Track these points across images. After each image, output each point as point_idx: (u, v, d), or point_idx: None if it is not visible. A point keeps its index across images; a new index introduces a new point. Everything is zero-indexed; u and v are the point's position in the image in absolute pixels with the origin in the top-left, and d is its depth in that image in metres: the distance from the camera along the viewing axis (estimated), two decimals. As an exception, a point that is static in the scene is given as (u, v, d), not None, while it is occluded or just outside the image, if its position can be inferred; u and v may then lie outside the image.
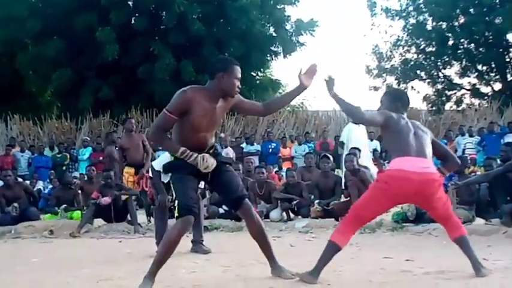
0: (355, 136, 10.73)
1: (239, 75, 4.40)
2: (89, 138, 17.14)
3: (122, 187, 9.38)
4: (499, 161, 8.47)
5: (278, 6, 21.62)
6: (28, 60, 20.60)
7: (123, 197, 9.10)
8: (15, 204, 9.64)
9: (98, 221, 9.30)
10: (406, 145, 4.34)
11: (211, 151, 4.48)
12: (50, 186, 13.61)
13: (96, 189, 9.39)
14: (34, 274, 5.36)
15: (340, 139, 11.08)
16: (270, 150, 15.79)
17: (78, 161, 15.88)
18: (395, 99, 4.66)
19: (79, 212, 9.74)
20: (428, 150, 4.41)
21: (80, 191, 10.49)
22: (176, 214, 4.31)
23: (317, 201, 9.21)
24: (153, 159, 8.50)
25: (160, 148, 14.76)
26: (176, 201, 4.34)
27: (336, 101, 4.55)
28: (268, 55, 22.15)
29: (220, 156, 4.64)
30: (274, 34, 21.84)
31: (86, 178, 11.00)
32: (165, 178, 6.57)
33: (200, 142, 4.39)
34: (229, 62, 4.45)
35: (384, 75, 28.93)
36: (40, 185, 14.26)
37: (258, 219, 4.59)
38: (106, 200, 8.88)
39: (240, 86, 4.42)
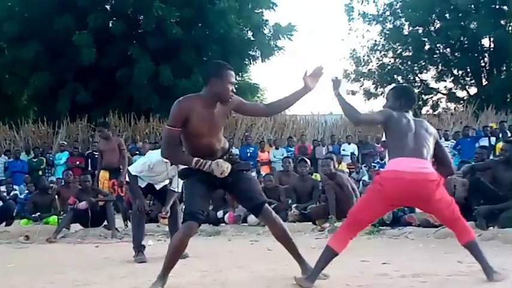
0: None
1: (232, 80, 4.39)
2: (65, 143, 17.02)
3: (99, 191, 9.33)
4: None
5: (256, 11, 21.69)
6: (4, 64, 20.42)
7: (101, 202, 9.06)
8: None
9: (75, 226, 9.24)
10: (403, 145, 4.27)
11: (225, 157, 4.49)
12: (26, 191, 13.48)
13: (73, 194, 9.33)
14: (9, 280, 5.31)
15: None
16: (248, 154, 15.80)
17: (54, 166, 15.75)
18: (400, 96, 4.59)
19: (55, 217, 9.67)
20: (427, 150, 4.33)
21: (56, 196, 10.41)
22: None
23: (294, 205, 9.24)
24: (130, 163, 8.46)
25: (137, 153, 14.74)
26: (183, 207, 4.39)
27: (338, 101, 4.54)
28: (246, 59, 22.20)
29: (237, 162, 4.62)
30: (252, 38, 21.91)
31: (62, 183, 10.92)
32: (142, 183, 6.57)
33: (207, 148, 4.40)
34: (222, 66, 4.44)
35: (361, 79, 29.12)
36: (16, 190, 14.11)
37: (279, 222, 4.60)
38: (83, 205, 8.83)
39: (234, 90, 4.41)
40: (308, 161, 10.02)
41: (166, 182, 6.74)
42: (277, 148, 16.20)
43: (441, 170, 4.56)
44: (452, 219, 4.42)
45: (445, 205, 4.36)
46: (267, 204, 4.56)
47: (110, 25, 20.72)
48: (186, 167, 4.54)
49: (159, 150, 6.66)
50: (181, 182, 6.63)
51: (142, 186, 6.58)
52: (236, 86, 16.29)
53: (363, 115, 4.51)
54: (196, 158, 4.34)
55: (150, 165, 6.43)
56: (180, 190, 6.82)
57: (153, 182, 6.65)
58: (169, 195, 6.64)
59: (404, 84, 4.66)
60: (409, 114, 4.53)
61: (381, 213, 4.72)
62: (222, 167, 4.34)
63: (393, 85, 4.79)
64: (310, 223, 8.73)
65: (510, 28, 25.40)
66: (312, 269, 4.42)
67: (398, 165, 4.22)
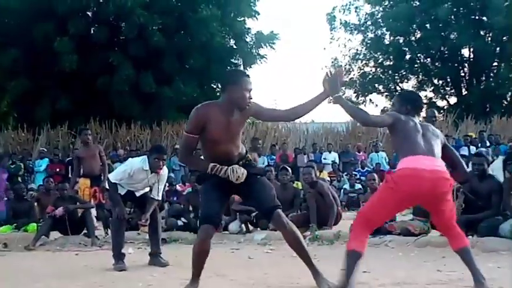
0: None
1: (249, 87, 4.42)
2: (45, 150, 16.88)
3: (77, 199, 9.25)
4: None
5: (238, 19, 21.74)
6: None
7: (80, 210, 8.98)
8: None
9: (55, 234, 9.15)
10: (415, 144, 4.22)
11: (241, 162, 4.52)
12: (5, 198, 13.31)
13: (52, 202, 9.23)
14: (-13, 288, 5.25)
15: None
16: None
17: (34, 173, 15.61)
18: (406, 102, 4.58)
19: (34, 224, 9.57)
20: (437, 151, 4.29)
21: (36, 203, 10.31)
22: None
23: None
24: (111, 170, 8.41)
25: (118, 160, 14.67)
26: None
27: (341, 105, 4.50)
28: (228, 67, 22.19)
29: (252, 167, 4.65)
30: (234, 46, 21.94)
31: (44, 190, 10.81)
32: (122, 190, 6.54)
33: (225, 154, 4.45)
34: (239, 74, 4.54)
35: (343, 88, 29.26)
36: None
37: (291, 227, 4.57)
38: (60, 210, 8.73)
39: (251, 97, 4.43)
40: (289, 169, 10.02)
41: (146, 190, 6.71)
42: (259, 156, 16.20)
43: (455, 174, 4.50)
44: (450, 224, 4.40)
45: (449, 208, 4.34)
46: (279, 210, 4.56)
47: (92, 32, 20.63)
48: (202, 172, 4.58)
49: (140, 157, 6.68)
50: (161, 189, 6.64)
51: (122, 193, 6.54)
52: (218, 94, 16.30)
53: (372, 116, 4.47)
54: (212, 164, 4.40)
55: (130, 172, 6.40)
56: (160, 198, 6.80)
57: (133, 189, 6.62)
58: (149, 203, 6.61)
59: (410, 90, 4.65)
60: (416, 119, 4.51)
61: (393, 212, 4.73)
62: (238, 173, 4.40)
63: (399, 92, 4.79)
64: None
65: (489, 38, 25.73)
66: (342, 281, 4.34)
67: (414, 163, 4.14)
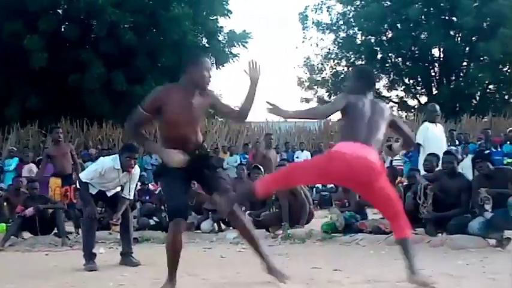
0: (433, 136, 8.98)
1: (208, 66, 4.48)
2: (15, 149, 16.64)
3: (47, 199, 9.15)
4: (422, 172, 8.74)
5: (211, 17, 21.70)
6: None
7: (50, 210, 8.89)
8: None
9: (24, 234, 9.03)
10: (356, 132, 4.34)
11: (197, 151, 4.52)
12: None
13: (22, 202, 9.12)
14: (-46, 290, 5.18)
15: (416, 140, 8.90)
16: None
17: (3, 172, 15.38)
18: (359, 78, 4.66)
19: (3, 224, 9.43)
20: (377, 137, 4.41)
21: (5, 203, 10.16)
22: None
23: (248, 212, 9.24)
24: (83, 169, 8.34)
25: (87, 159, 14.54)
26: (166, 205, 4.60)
27: (294, 117, 4.56)
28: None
29: (211, 157, 4.72)
30: (207, 45, 21.89)
31: (13, 189, 10.64)
32: (93, 190, 6.49)
33: (182, 138, 4.44)
34: (197, 55, 4.63)
35: (315, 87, 29.45)
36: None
37: (242, 218, 4.71)
38: (30, 211, 8.63)
39: (211, 76, 4.48)
40: (261, 168, 10.04)
41: (118, 189, 6.67)
42: (231, 155, 16.20)
43: (404, 146, 4.85)
44: (394, 212, 4.49)
45: (386, 197, 4.44)
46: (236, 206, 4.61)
47: (62, 29, 20.41)
48: (159, 166, 4.63)
49: (111, 156, 6.64)
50: (133, 189, 6.60)
51: (94, 193, 6.50)
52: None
53: (325, 109, 4.59)
54: (152, 142, 4.48)
55: (101, 171, 6.36)
56: (131, 197, 6.77)
57: (104, 188, 6.57)
58: (121, 202, 6.57)
59: (364, 66, 4.74)
60: (368, 96, 4.58)
61: (314, 181, 4.87)
62: (178, 157, 4.35)
63: (354, 67, 4.87)
64: (264, 230, 8.75)
65: (459, 39, 26.07)
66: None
67: (347, 148, 4.28)
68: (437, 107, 8.95)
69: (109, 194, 6.65)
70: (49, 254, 7.79)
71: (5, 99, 19.52)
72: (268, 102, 4.43)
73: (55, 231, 8.86)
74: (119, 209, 6.53)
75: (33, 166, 13.81)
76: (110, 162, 6.43)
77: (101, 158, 7.24)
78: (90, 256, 6.28)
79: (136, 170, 6.61)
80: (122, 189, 6.61)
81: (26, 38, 18.59)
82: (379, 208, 4.71)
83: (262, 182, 4.50)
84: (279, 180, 4.54)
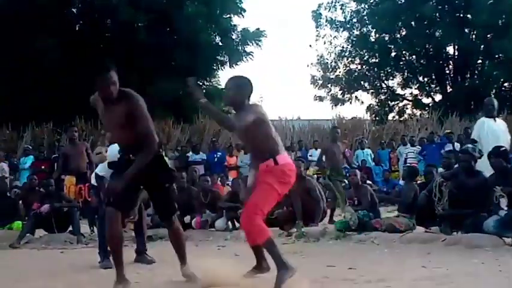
0: (491, 131, 8.34)
1: (110, 81, 4.67)
2: (30, 147, 16.75)
3: (63, 197, 9.19)
4: (440, 169, 8.70)
5: (224, 16, 21.67)
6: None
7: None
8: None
9: (40, 232, 9.09)
10: (278, 142, 4.57)
11: (131, 156, 4.65)
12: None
13: (37, 199, 9.18)
14: (-29, 287, 5.22)
15: (472, 136, 8.72)
16: (216, 159, 15.77)
17: (19, 170, 15.49)
18: (243, 88, 4.61)
19: (19, 222, 9.50)
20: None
21: (21, 201, 10.23)
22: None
23: (261, 210, 9.23)
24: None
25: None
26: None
27: (208, 111, 4.57)
28: (214, 64, 22.14)
29: (163, 171, 4.80)
30: (220, 43, 21.87)
31: (28, 187, 10.73)
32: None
33: (115, 139, 4.79)
34: (98, 78, 4.71)
35: (329, 85, 29.34)
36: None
37: (177, 232, 5.12)
38: (45, 208, 8.69)
39: (113, 90, 4.65)
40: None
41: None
42: (245, 153, 16.19)
43: None
44: None
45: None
46: (172, 218, 4.98)
47: (76, 28, 20.50)
48: (113, 160, 4.94)
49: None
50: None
51: None
52: (204, 91, 16.13)
53: (238, 126, 4.40)
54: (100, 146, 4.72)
55: (112, 153, 6.33)
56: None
57: None
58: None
59: (242, 76, 4.67)
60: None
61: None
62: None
63: (233, 75, 4.85)
64: (278, 228, 8.75)
65: (474, 36, 25.89)
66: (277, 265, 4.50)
67: (289, 159, 4.64)
68: (495, 101, 8.65)
69: None
70: (64, 251, 7.84)
71: (19, 98, 19.63)
72: (189, 80, 4.53)
73: (70, 229, 8.91)
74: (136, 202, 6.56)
75: (4, 165, 13.92)
76: (117, 147, 6.49)
77: (110, 146, 7.19)
78: (105, 254, 6.30)
79: None
80: None
81: (39, 37, 18.68)
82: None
83: (263, 231, 4.53)
84: (256, 223, 4.52)
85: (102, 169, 6.53)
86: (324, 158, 11.37)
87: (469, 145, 7.81)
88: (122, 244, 4.75)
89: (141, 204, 6.72)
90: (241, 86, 4.62)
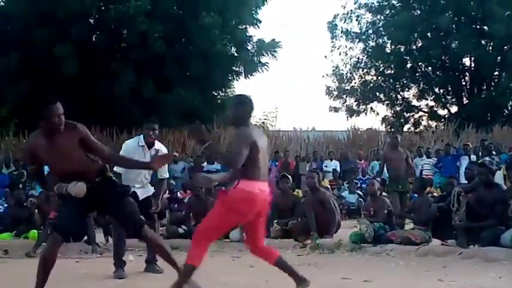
0: None
1: (57, 112, 4.71)
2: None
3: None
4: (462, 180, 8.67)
5: (240, 27, 21.71)
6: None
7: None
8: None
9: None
10: (256, 170, 4.47)
11: (97, 179, 4.75)
12: (6, 205, 13.28)
13: (53, 208, 9.21)
14: (-13, 295, 5.24)
15: None
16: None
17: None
18: (243, 107, 4.66)
19: (35, 231, 9.55)
20: (267, 170, 4.67)
21: (37, 210, 10.29)
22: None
23: (276, 220, 9.22)
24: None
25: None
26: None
27: (214, 151, 4.77)
28: (229, 75, 22.18)
29: (115, 187, 4.92)
30: (235, 54, 21.89)
31: (44, 197, 10.77)
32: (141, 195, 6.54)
33: (64, 173, 4.70)
34: (43, 109, 4.77)
35: (344, 96, 29.28)
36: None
37: (156, 240, 5.02)
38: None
39: (61, 120, 4.72)
40: (290, 177, 10.02)
41: (149, 191, 6.68)
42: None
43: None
44: (261, 242, 4.77)
45: (263, 225, 4.72)
46: (145, 227, 4.87)
47: (93, 38, 20.64)
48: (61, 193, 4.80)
49: (133, 138, 6.79)
50: (166, 167, 6.73)
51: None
52: (219, 101, 16.16)
53: (237, 157, 4.42)
54: (57, 185, 4.72)
55: (129, 153, 6.35)
56: (167, 175, 6.93)
57: (139, 182, 6.52)
58: (158, 186, 6.74)
59: (242, 94, 4.72)
60: (253, 126, 4.71)
61: (226, 230, 5.11)
62: (77, 188, 4.61)
63: (232, 96, 4.90)
64: (292, 239, 8.72)
65: (490, 48, 25.77)
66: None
67: (250, 187, 4.42)
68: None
69: (140, 193, 6.54)
70: (79, 261, 7.86)
71: (36, 107, 19.74)
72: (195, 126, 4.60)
73: (85, 238, 8.93)
74: (158, 193, 6.69)
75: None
76: (132, 140, 6.70)
77: (125, 142, 7.22)
78: (120, 264, 6.32)
79: (163, 148, 6.72)
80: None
81: (57, 45, 18.83)
82: (253, 238, 4.79)
83: (195, 257, 4.55)
84: (203, 246, 4.58)
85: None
86: (385, 168, 10.58)
87: (487, 158, 7.79)
88: (51, 268, 4.79)
89: (154, 215, 6.73)
90: (240, 104, 4.68)
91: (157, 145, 6.65)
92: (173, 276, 6.06)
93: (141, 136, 6.61)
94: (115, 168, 6.61)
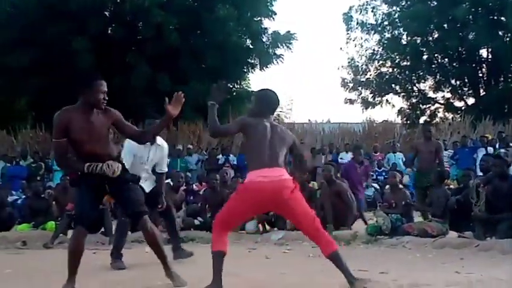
0: None
1: (103, 89, 4.71)
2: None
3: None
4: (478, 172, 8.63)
5: (255, 19, 21.67)
6: (1, 69, 20.32)
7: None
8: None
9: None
10: (260, 156, 4.48)
11: (110, 162, 4.74)
12: (23, 196, 13.42)
13: (70, 200, 9.29)
14: (5, 285, 5.30)
15: None
16: (246, 162, 15.75)
17: (52, 171, 15.71)
18: (262, 101, 4.72)
19: (53, 222, 9.64)
20: (282, 158, 4.55)
21: (54, 202, 10.39)
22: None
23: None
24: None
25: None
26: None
27: (209, 110, 4.67)
28: (244, 67, 22.18)
29: (126, 172, 4.97)
30: (250, 46, 21.86)
31: (61, 188, 10.87)
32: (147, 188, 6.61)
33: (91, 154, 4.69)
34: (92, 78, 4.80)
35: (360, 88, 29.17)
36: (14, 195, 14.04)
37: (152, 232, 4.94)
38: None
39: (106, 98, 4.72)
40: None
41: (151, 186, 6.76)
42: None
43: (296, 169, 4.93)
44: (313, 228, 4.56)
45: (302, 211, 4.53)
46: (145, 216, 4.88)
47: (109, 31, 20.71)
48: (76, 177, 4.83)
49: None
50: (165, 162, 6.87)
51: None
52: (234, 93, 16.15)
53: (221, 127, 4.70)
54: (87, 164, 4.65)
55: (131, 149, 6.45)
56: (166, 169, 6.95)
57: (144, 175, 6.61)
58: (159, 180, 6.79)
59: (267, 89, 4.75)
60: (269, 120, 4.66)
61: (243, 217, 5.08)
62: (113, 167, 4.68)
63: (257, 90, 4.88)
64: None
65: (508, 39, 25.50)
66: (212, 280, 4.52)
67: (257, 176, 4.44)
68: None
69: (146, 188, 6.66)
70: (96, 252, 7.91)
71: (53, 100, 19.88)
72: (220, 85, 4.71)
73: (102, 230, 9.00)
74: (159, 188, 6.75)
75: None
76: None
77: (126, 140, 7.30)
78: (117, 255, 6.47)
79: (164, 144, 6.81)
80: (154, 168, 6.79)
81: (73, 39, 18.92)
82: (299, 226, 4.75)
83: (217, 242, 4.55)
84: (222, 232, 4.58)
85: (126, 163, 6.60)
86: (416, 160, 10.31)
87: (502, 150, 7.75)
88: (81, 257, 4.89)
89: (171, 205, 6.81)
90: (263, 100, 4.73)
91: (159, 141, 6.73)
92: (194, 265, 6.14)
93: None
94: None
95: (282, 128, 4.75)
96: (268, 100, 4.72)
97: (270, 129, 4.57)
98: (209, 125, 4.65)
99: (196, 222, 9.64)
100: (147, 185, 6.69)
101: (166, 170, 6.95)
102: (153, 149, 6.61)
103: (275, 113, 4.91)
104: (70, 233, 8.99)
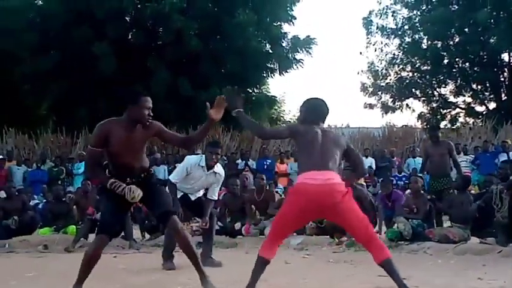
0: None
1: (149, 105, 4.73)
2: (84, 153, 17.07)
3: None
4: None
5: (275, 23, 21.69)
6: (24, 74, 20.55)
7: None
8: (15, 217, 9.69)
9: (93, 236, 9.24)
10: (309, 159, 4.40)
11: (142, 175, 4.79)
12: (44, 200, 13.52)
13: (91, 204, 9.36)
14: (28, 289, 5.34)
15: None
16: (265, 166, 15.78)
17: (73, 175, 15.82)
18: (311, 109, 4.69)
19: (74, 226, 9.70)
20: (333, 162, 4.44)
21: (75, 206, 10.46)
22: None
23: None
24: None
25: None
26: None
27: (240, 118, 4.66)
28: (264, 72, 22.17)
29: (153, 178, 5.02)
30: (270, 51, 21.87)
31: (82, 192, 10.95)
32: (178, 193, 6.66)
33: (126, 167, 4.73)
34: (138, 94, 4.84)
35: (379, 93, 29.00)
36: (35, 199, 14.16)
37: (183, 233, 4.83)
38: (100, 213, 8.85)
39: (151, 114, 4.75)
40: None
41: (201, 193, 6.91)
42: (295, 160, 16.15)
43: (355, 174, 4.98)
44: (366, 234, 4.44)
45: (355, 217, 4.40)
46: (175, 216, 4.83)
47: (129, 36, 20.85)
48: (102, 186, 4.84)
49: (196, 155, 6.89)
50: (217, 190, 6.93)
51: (178, 197, 6.66)
52: (254, 98, 16.15)
53: (269, 129, 4.78)
54: (111, 181, 4.66)
55: (188, 168, 6.63)
56: (216, 197, 7.01)
57: (190, 192, 6.73)
58: (206, 204, 6.82)
59: (316, 98, 4.70)
60: (320, 126, 4.60)
61: (296, 225, 4.83)
62: (134, 193, 4.66)
63: (306, 99, 4.81)
64: (328, 236, 8.68)
65: (530, 43, 25.23)
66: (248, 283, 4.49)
67: (306, 179, 4.34)
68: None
69: (193, 198, 6.79)
70: (117, 256, 7.95)
71: (74, 104, 20.06)
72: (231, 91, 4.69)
73: (122, 234, 9.04)
74: (206, 211, 6.77)
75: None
76: (195, 159, 6.78)
77: (187, 156, 7.41)
78: (169, 256, 6.52)
79: (221, 173, 6.85)
80: (206, 192, 6.88)
81: (95, 44, 19.08)
82: (351, 231, 4.70)
83: (266, 248, 4.52)
84: (275, 239, 4.54)
85: (175, 175, 6.75)
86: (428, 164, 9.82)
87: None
88: (95, 265, 4.84)
89: (212, 211, 6.87)
90: (310, 108, 4.70)
91: (217, 169, 6.79)
92: (215, 270, 6.13)
93: (203, 157, 6.73)
94: (170, 177, 6.84)
95: (334, 133, 4.74)
96: (317, 109, 4.69)
97: (322, 134, 4.52)
98: (252, 130, 4.69)
99: (216, 227, 9.63)
100: (193, 196, 6.89)
101: (216, 198, 7.01)
102: (209, 175, 6.71)
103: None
104: (91, 237, 9.11)
